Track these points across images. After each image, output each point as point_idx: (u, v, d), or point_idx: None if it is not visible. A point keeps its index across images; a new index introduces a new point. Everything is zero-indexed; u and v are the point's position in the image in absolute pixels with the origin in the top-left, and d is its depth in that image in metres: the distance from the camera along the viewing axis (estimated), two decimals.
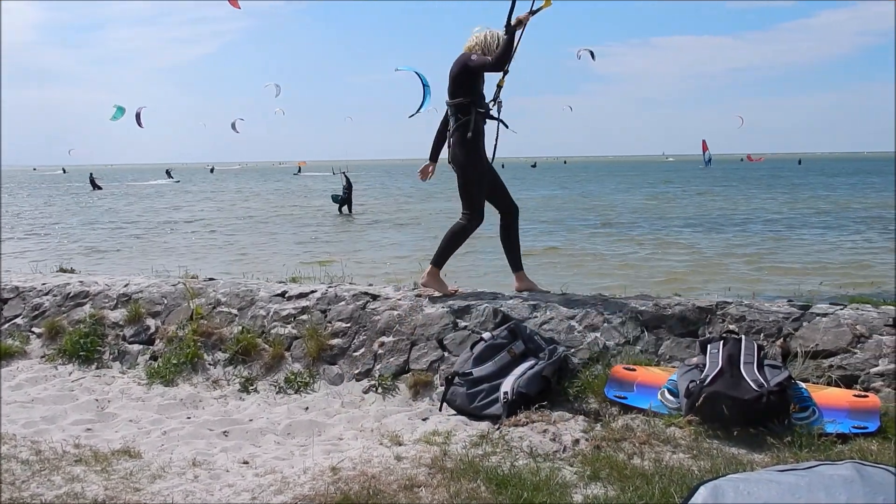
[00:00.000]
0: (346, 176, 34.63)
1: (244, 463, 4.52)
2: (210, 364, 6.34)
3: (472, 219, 6.22)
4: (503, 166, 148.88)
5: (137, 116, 53.37)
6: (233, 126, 67.62)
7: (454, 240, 6.29)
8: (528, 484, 4.01)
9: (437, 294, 6.29)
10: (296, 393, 5.91)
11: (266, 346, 6.34)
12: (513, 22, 5.89)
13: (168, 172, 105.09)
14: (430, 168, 6.72)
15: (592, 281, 14.25)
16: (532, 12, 5.94)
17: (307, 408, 5.64)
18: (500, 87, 6.23)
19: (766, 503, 3.10)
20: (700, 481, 3.42)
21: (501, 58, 5.92)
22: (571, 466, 4.32)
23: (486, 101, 6.20)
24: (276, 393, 5.93)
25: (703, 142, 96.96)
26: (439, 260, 6.31)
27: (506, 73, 6.08)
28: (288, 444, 4.89)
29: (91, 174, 76.00)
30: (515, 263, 6.52)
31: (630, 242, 22.80)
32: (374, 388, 5.80)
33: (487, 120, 6.22)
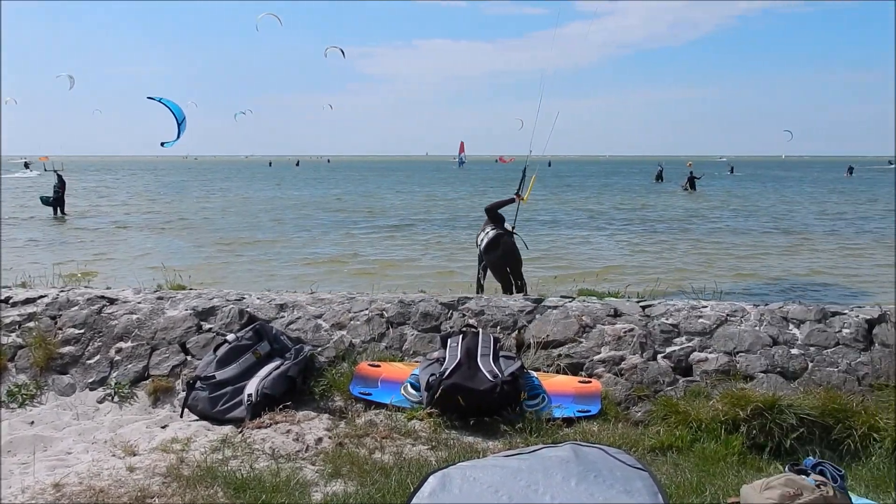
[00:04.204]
0: (58, 174, 31.21)
1: None
2: None
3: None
4: (270, 164, 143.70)
5: None
6: None
7: None
8: (267, 486, 3.97)
9: None
10: (20, 407, 5.45)
11: None
12: (518, 194, 10.08)
13: (26, 164, 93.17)
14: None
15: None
16: (520, 198, 10.10)
17: (32, 422, 5.21)
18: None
19: (490, 486, 3.30)
20: (431, 470, 3.56)
21: (491, 206, 9.93)
22: (313, 465, 4.32)
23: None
24: None
25: (462, 144, 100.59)
26: None
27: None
28: (7, 463, 4.49)
29: None
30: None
31: (436, 247, 20.92)
32: (110, 397, 5.49)
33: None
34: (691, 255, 19.13)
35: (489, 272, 9.70)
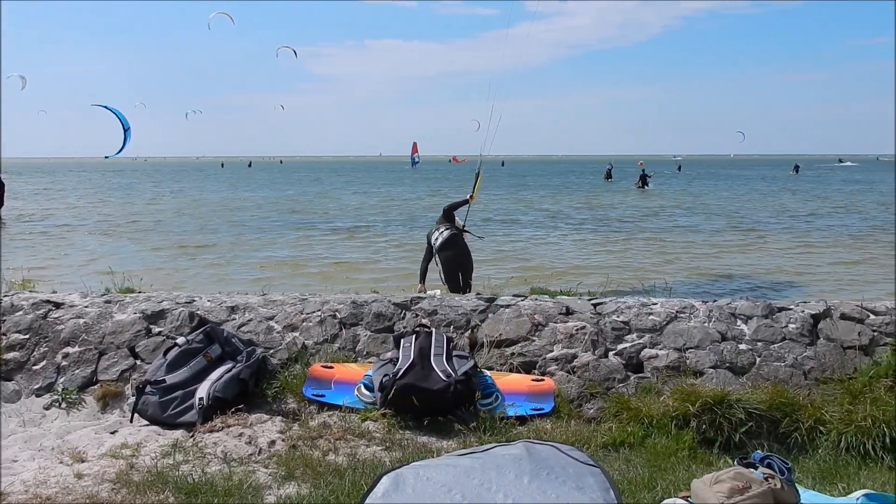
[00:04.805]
0: None
1: None
2: None
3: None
4: (223, 165, 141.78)
5: None
6: None
7: None
8: (219, 490, 3.92)
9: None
10: None
11: None
12: (471, 195, 10.61)
13: None
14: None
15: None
16: (471, 199, 10.60)
17: None
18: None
19: (443, 485, 3.30)
20: (384, 470, 3.54)
21: (449, 206, 10.52)
22: (266, 468, 4.28)
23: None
24: None
25: (415, 144, 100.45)
26: None
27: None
28: None
29: None
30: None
31: (395, 248, 20.46)
32: (57, 404, 5.37)
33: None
34: (649, 253, 19.31)
35: (438, 268, 10.11)
